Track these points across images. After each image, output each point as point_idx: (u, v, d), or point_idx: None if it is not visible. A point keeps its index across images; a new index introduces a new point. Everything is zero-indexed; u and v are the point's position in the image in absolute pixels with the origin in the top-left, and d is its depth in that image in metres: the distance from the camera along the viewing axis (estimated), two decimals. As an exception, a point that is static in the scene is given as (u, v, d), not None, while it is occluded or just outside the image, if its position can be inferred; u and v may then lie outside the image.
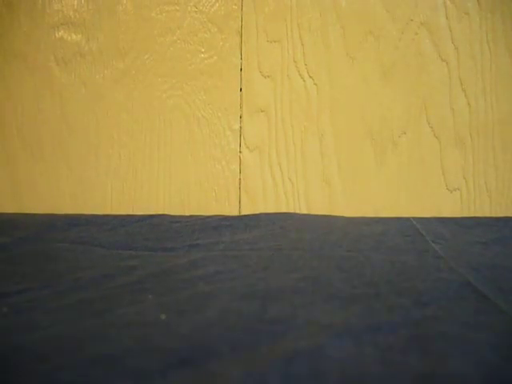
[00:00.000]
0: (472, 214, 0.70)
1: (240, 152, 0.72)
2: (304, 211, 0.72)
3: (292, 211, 0.72)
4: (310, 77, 0.71)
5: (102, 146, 0.73)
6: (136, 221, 0.65)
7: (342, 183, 0.71)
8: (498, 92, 0.69)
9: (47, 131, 0.73)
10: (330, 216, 0.69)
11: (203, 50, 0.72)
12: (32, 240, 0.56)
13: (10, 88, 0.73)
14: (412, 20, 0.69)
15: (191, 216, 0.69)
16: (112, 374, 0.24)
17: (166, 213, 0.72)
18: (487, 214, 0.70)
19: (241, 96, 0.72)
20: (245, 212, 0.72)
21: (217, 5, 0.71)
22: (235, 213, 0.72)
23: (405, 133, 0.70)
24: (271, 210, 0.72)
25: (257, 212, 0.71)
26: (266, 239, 0.55)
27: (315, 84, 0.71)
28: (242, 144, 0.72)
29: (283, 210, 0.72)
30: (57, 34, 0.72)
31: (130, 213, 0.73)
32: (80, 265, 0.47)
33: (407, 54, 0.70)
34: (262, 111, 0.71)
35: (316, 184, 0.72)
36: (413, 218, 0.67)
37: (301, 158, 0.72)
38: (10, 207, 0.74)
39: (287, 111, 0.71)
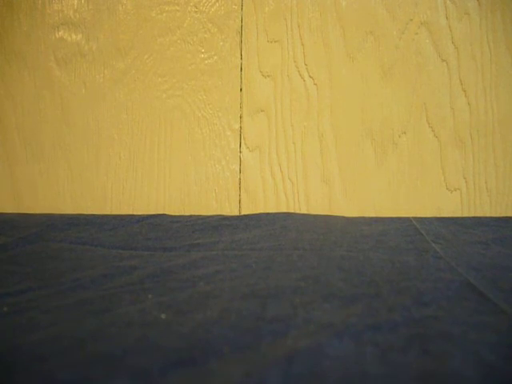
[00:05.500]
0: (472, 214, 0.70)
1: (240, 152, 0.72)
2: (304, 211, 0.72)
3: (292, 211, 0.72)
4: (310, 77, 0.71)
5: (102, 146, 0.73)
6: (136, 221, 0.65)
7: (342, 183, 0.71)
8: (498, 92, 0.69)
9: (47, 131, 0.73)
10: (329, 216, 0.69)
11: (203, 50, 0.72)
12: (32, 240, 0.55)
13: (9, 88, 0.73)
14: (412, 20, 0.69)
15: (191, 216, 0.69)
16: (112, 374, 0.24)
17: (165, 213, 0.72)
18: (487, 214, 0.70)
19: (241, 96, 0.72)
20: (245, 212, 0.72)
21: (217, 5, 0.71)
22: (235, 213, 0.72)
23: (405, 133, 0.70)
24: (271, 209, 0.72)
25: (257, 212, 0.71)
26: (266, 239, 0.55)
27: (315, 84, 0.71)
28: (242, 144, 0.72)
29: (283, 209, 0.72)
30: (57, 34, 0.72)
31: (130, 213, 0.73)
32: (80, 265, 0.47)
33: (407, 54, 0.70)
34: (261, 111, 0.71)
35: (316, 184, 0.72)
36: (413, 217, 0.67)
37: (301, 158, 0.72)
38: (10, 207, 0.74)
39: (287, 111, 0.71)
